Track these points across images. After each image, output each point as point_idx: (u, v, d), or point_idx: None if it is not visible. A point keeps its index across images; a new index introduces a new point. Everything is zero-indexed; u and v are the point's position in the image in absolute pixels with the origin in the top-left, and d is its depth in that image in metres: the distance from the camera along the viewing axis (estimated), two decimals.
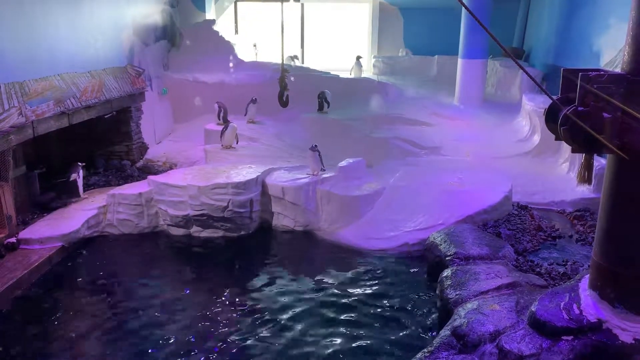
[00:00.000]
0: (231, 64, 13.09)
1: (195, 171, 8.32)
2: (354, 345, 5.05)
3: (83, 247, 7.17)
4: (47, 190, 7.96)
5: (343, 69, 15.24)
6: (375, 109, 12.13)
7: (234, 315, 5.60)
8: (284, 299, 5.94)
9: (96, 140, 9.86)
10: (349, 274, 6.50)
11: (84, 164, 8.36)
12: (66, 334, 5.25)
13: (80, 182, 8.11)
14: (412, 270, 6.58)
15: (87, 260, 6.88)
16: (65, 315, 5.61)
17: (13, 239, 6.67)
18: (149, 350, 5.00)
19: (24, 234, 6.83)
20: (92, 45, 8.80)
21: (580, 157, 3.99)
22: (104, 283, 6.28)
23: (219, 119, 10.99)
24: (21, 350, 5.01)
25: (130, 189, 7.93)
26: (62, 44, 7.91)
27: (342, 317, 5.54)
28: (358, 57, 15.15)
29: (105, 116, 9.11)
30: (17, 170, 7.26)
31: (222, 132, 9.79)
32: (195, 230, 7.72)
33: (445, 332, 4.54)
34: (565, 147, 8.59)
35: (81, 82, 8.21)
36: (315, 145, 8.17)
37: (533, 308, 4.12)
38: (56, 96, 7.49)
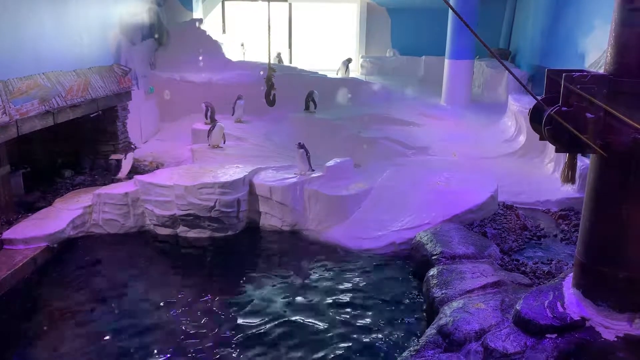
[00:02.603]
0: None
1: (182, 171, 8.28)
2: (340, 344, 5.06)
3: (68, 248, 7.10)
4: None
5: (331, 69, 15.26)
6: (362, 109, 12.16)
7: (221, 315, 5.58)
8: (271, 299, 5.92)
9: (82, 139, 9.77)
10: (336, 274, 6.51)
11: (135, 147, 8.89)
12: (50, 335, 5.20)
13: (125, 164, 8.60)
14: (398, 270, 6.60)
15: (72, 261, 6.81)
16: (49, 316, 5.55)
17: None
18: (134, 351, 4.97)
19: (8, 234, 6.74)
20: (78, 43, 8.72)
21: (565, 157, 4.04)
22: (90, 284, 6.24)
23: (207, 119, 10.95)
24: (4, 351, 4.95)
25: (117, 189, 7.86)
26: (47, 42, 7.83)
27: (328, 317, 5.54)
28: (349, 60, 15.18)
29: (91, 115, 9.04)
30: (1, 169, 7.16)
31: (210, 132, 9.76)
32: (181, 230, 7.68)
33: (431, 330, 4.57)
34: (551, 148, 8.63)
35: (66, 80, 8.13)
36: (302, 143, 8.15)
37: (518, 306, 4.16)
38: (41, 95, 7.42)
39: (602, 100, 3.41)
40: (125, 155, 8.59)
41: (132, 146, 8.84)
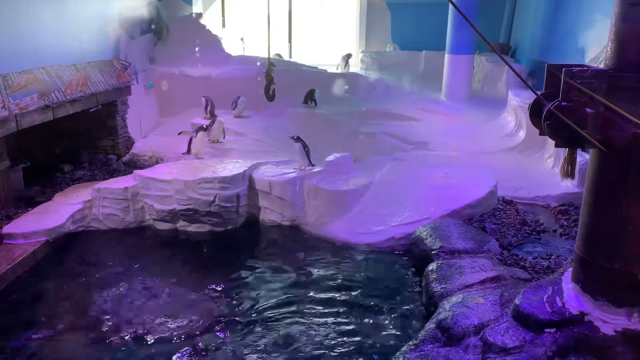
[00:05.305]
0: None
1: (181, 165, 8.28)
2: (338, 338, 5.07)
3: (68, 242, 7.11)
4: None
5: (331, 63, 15.24)
6: (362, 104, 12.15)
7: (220, 308, 5.60)
8: (269, 294, 5.94)
9: (81, 134, 9.77)
10: (335, 268, 6.52)
11: (206, 127, 9.19)
12: (50, 330, 5.21)
13: (195, 142, 8.92)
14: (398, 264, 6.60)
15: (72, 256, 6.82)
16: (49, 310, 5.56)
17: None
18: (134, 343, 4.99)
19: (8, 228, 6.75)
20: (78, 38, 8.70)
21: (564, 152, 4.04)
22: (89, 278, 6.24)
23: (206, 113, 10.95)
24: (4, 344, 4.97)
25: (116, 184, 7.86)
26: (47, 37, 7.82)
27: (327, 311, 5.55)
28: (348, 55, 15.14)
29: (91, 110, 9.03)
30: (1, 164, 7.17)
31: (209, 127, 9.75)
32: (181, 225, 7.69)
33: (430, 325, 4.58)
34: (551, 143, 8.63)
35: (66, 75, 8.12)
36: (297, 136, 8.12)
37: (517, 301, 4.17)
38: (40, 89, 7.41)
39: (602, 95, 3.41)
40: (196, 134, 8.66)
41: (204, 126, 9.04)
